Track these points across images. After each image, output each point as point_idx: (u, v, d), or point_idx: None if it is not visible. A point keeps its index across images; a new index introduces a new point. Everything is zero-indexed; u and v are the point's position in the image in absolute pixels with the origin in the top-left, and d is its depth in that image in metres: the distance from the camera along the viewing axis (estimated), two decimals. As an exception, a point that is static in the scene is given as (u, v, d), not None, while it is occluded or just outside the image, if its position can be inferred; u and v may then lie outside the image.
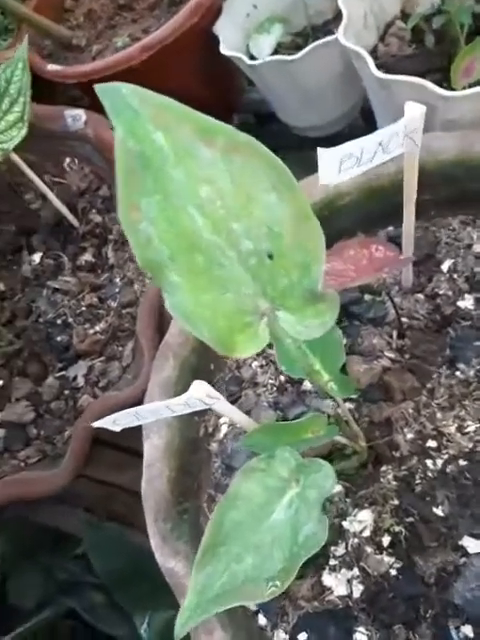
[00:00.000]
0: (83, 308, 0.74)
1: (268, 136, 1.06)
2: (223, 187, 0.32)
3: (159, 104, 0.33)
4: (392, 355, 0.63)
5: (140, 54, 0.81)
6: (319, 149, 0.39)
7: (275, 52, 0.81)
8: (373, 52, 0.78)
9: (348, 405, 0.62)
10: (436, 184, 0.65)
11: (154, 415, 0.41)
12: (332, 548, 0.57)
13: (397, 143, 0.42)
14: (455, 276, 0.66)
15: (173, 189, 0.32)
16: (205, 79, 0.95)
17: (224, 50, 0.83)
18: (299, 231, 0.32)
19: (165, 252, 0.32)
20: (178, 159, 0.31)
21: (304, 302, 0.33)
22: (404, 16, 0.79)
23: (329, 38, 0.73)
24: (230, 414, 0.44)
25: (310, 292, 0.33)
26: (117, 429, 0.42)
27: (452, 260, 0.66)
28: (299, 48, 0.81)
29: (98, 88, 0.32)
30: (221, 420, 0.65)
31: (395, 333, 0.64)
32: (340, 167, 0.41)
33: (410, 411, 0.60)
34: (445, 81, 0.70)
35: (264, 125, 1.08)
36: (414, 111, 0.40)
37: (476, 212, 0.67)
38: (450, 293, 0.65)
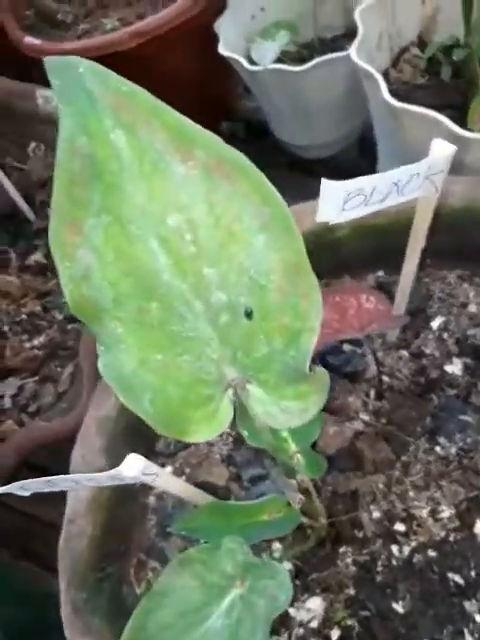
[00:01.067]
0: (23, 316, 0.65)
1: (254, 150, 1.00)
2: (198, 218, 0.23)
3: (127, 93, 0.24)
4: (367, 418, 0.56)
5: (129, 40, 0.72)
6: (324, 181, 0.31)
7: (278, 60, 0.74)
8: (384, 76, 0.71)
9: (311, 470, 0.54)
10: (437, 231, 0.58)
11: (74, 485, 0.32)
12: (273, 638, 0.49)
13: (416, 185, 0.34)
14: (445, 336, 0.59)
15: (130, 212, 0.23)
16: (198, 78, 0.87)
17: (223, 50, 0.75)
18: (291, 287, 0.24)
19: (108, 293, 0.24)
20: (142, 172, 0.23)
21: (284, 379, 0.25)
22: (421, 43, 0.72)
23: (340, 54, 0.66)
24: (174, 490, 0.35)
25: (294, 368, 0.25)
26: (26, 494, 0.33)
27: (444, 318, 0.59)
28: (303, 60, 0.74)
29: (47, 60, 0.24)
30: (165, 469, 0.56)
31: (373, 392, 0.57)
32: (344, 205, 0.33)
33: (380, 486, 0.52)
34: (458, 120, 0.63)
35: (253, 137, 1.00)
36: (442, 151, 0.33)
37: (475, 268, 0.60)
38: (437, 354, 0.58)
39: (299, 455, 0.41)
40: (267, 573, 0.34)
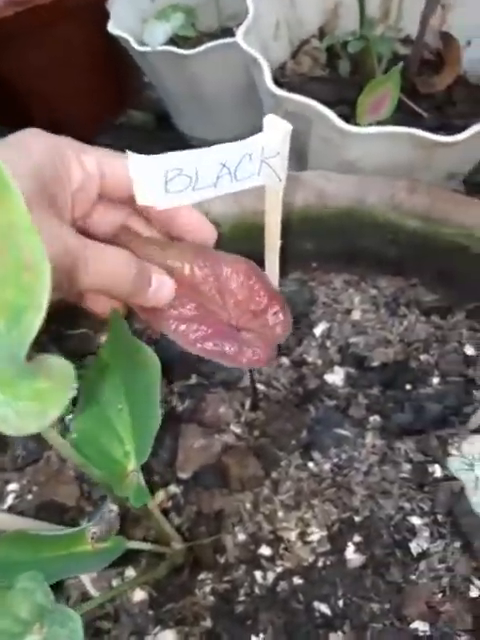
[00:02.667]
0: None
1: (163, 142, 0.95)
2: None
3: None
4: (239, 430, 0.51)
5: (5, 8, 0.66)
6: (130, 155, 0.26)
7: (173, 44, 0.69)
8: (281, 69, 0.68)
9: (172, 488, 0.49)
10: (323, 233, 0.54)
11: None
12: (117, 679, 0.43)
13: (252, 170, 0.30)
14: (328, 343, 0.55)
15: None
16: (92, 60, 0.81)
17: (112, 28, 0.70)
18: (10, 255, 0.19)
19: None
20: None
21: (18, 373, 0.20)
22: (322, 35, 0.69)
23: (230, 39, 0.62)
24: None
25: (13, 356, 0.19)
26: None
27: (327, 324, 0.56)
28: (203, 48, 0.69)
29: None
30: (9, 486, 0.50)
31: (248, 402, 0.53)
32: (166, 186, 0.28)
33: (247, 505, 0.48)
34: (353, 117, 0.60)
35: (161, 129, 0.95)
36: (276, 129, 0.28)
37: (363, 273, 0.57)
38: (319, 362, 0.55)
39: (136, 473, 0.35)
40: (59, 620, 0.28)
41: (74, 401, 0.52)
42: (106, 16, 0.73)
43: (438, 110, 0.63)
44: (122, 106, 0.91)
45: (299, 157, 0.58)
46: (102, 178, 0.34)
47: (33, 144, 0.31)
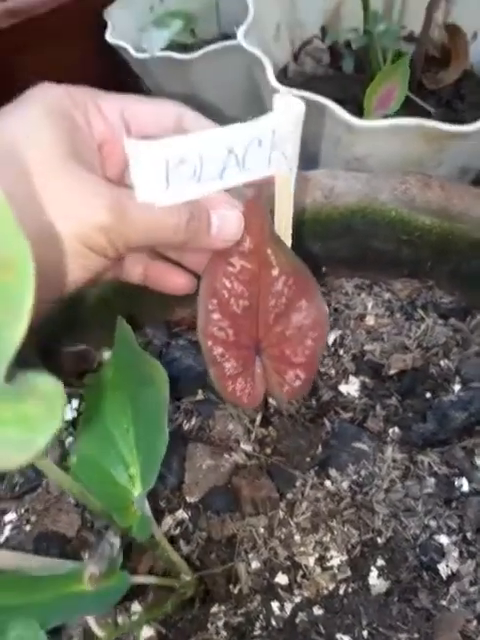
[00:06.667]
0: None
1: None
2: None
3: None
4: (249, 448, 0.48)
5: (1, 19, 0.64)
6: (127, 141, 0.24)
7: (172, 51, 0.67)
8: (283, 71, 0.65)
9: (180, 513, 0.45)
10: (330, 235, 0.51)
11: None
12: None
13: (261, 157, 0.27)
14: (341, 352, 0.52)
15: None
16: (90, 73, 0.79)
17: (110, 38, 0.68)
18: None
19: None
20: None
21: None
22: (324, 36, 0.67)
23: (230, 42, 0.60)
24: None
25: None
26: None
27: (340, 332, 0.53)
28: (203, 54, 0.67)
29: None
30: (6, 517, 0.46)
31: (259, 418, 0.49)
32: (168, 177, 0.25)
33: (261, 530, 0.44)
34: (359, 115, 0.58)
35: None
36: (288, 108, 0.25)
37: (375, 276, 0.54)
38: (332, 372, 0.51)
39: (142, 500, 0.32)
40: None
41: (74, 424, 0.49)
42: (101, 24, 0.71)
43: (446, 105, 0.61)
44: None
45: (304, 159, 0.56)
46: (129, 129, 0.31)
47: (44, 95, 0.28)
